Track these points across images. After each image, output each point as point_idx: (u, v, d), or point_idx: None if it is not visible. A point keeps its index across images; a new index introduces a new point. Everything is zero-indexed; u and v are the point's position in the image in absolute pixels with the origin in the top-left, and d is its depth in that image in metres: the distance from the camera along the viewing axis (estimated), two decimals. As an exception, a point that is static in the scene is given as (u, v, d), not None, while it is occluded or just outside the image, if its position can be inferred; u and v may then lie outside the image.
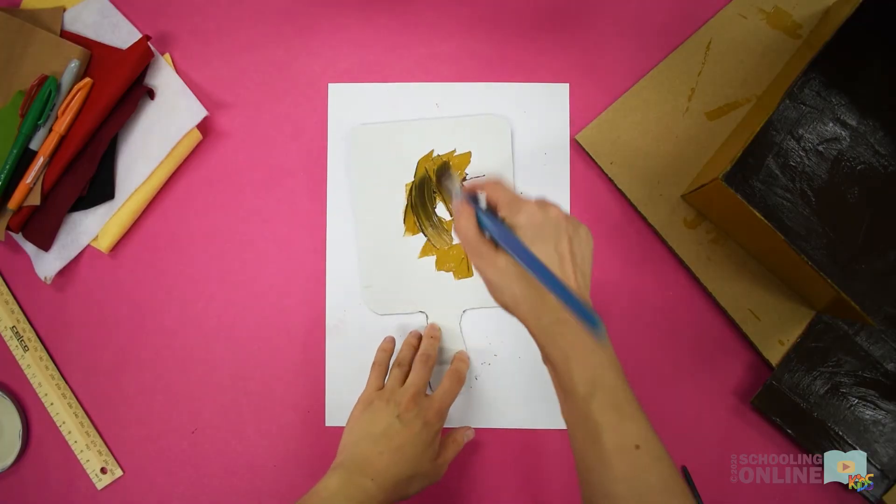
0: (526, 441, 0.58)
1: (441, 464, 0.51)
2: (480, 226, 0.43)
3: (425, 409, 0.50)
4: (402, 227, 0.59)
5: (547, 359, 0.42)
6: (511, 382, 0.58)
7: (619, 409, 0.39)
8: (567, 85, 0.60)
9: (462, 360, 0.56)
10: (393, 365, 0.54)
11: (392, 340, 0.57)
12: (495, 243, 0.42)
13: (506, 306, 0.42)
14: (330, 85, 0.60)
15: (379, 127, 0.59)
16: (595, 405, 0.38)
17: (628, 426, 0.38)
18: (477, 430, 0.58)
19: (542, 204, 0.42)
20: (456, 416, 0.58)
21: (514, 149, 0.59)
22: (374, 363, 0.55)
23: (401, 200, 0.59)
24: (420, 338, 0.57)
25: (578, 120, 0.59)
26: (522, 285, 0.41)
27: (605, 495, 0.38)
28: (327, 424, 0.58)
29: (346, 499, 0.45)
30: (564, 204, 0.59)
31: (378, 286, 0.58)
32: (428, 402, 0.50)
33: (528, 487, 0.57)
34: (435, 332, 0.56)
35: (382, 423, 0.49)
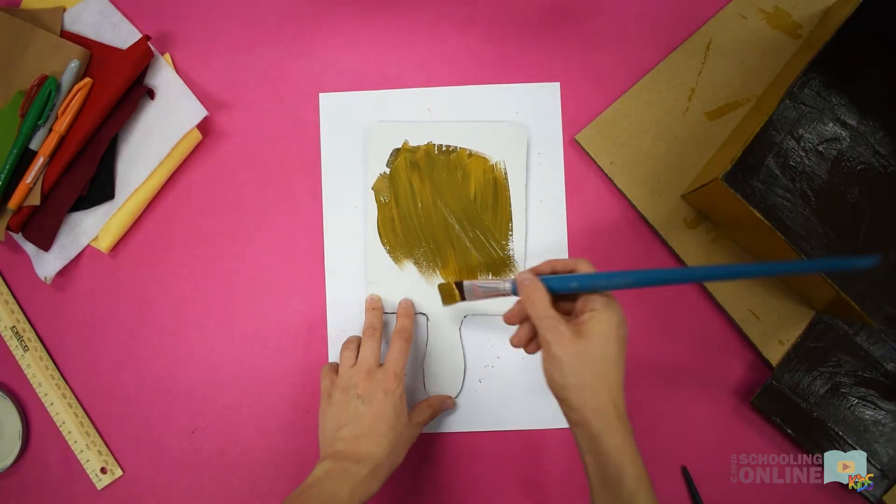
0: (530, 442, 0.58)
1: (417, 424, 0.53)
2: (552, 291, 0.43)
3: (381, 380, 0.50)
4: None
5: (596, 450, 0.41)
6: (513, 385, 0.58)
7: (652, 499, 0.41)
8: (558, 84, 0.60)
9: (405, 314, 0.55)
10: (341, 349, 0.54)
11: (355, 339, 0.56)
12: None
13: (565, 388, 0.42)
14: (321, 95, 0.60)
15: (396, 125, 0.59)
16: (641, 499, 0.40)
17: None
18: (481, 433, 0.58)
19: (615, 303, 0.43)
20: (460, 419, 0.58)
21: (529, 157, 0.59)
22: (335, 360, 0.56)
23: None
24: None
25: (577, 120, 0.59)
26: (595, 370, 0.41)
27: None
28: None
29: (337, 483, 0.46)
30: (560, 203, 0.59)
31: (381, 285, 0.58)
32: (382, 371, 0.51)
33: (532, 488, 0.57)
34: (375, 304, 0.57)
35: (347, 409, 0.49)
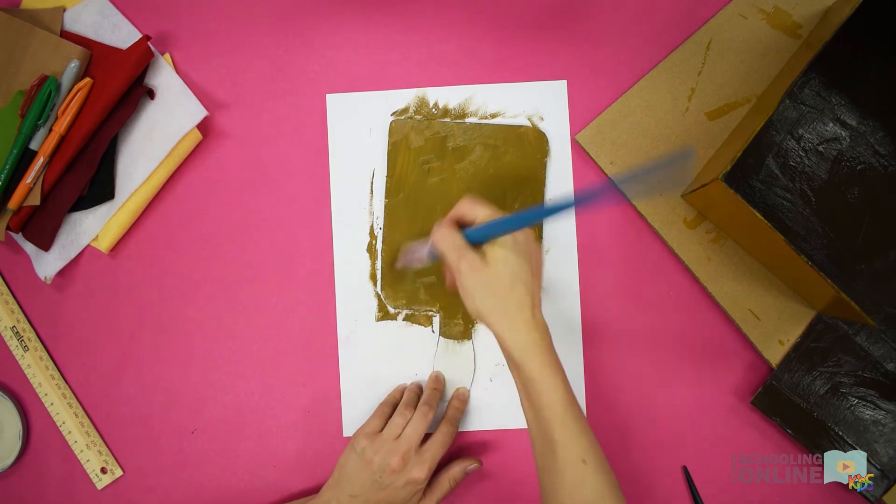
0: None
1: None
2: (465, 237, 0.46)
3: (413, 466, 0.51)
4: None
5: (515, 368, 0.45)
6: None
7: (574, 425, 0.44)
8: (564, 82, 0.60)
9: (457, 407, 0.56)
10: (398, 410, 0.54)
11: (403, 391, 0.57)
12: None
13: (479, 315, 0.45)
14: (328, 96, 0.60)
15: (419, 123, 0.59)
16: (556, 423, 0.44)
17: (580, 441, 0.44)
18: (493, 431, 0.58)
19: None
20: (471, 418, 0.58)
21: (549, 160, 0.59)
22: (380, 404, 0.56)
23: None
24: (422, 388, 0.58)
25: (578, 120, 0.59)
26: (498, 293, 0.44)
27: (556, 501, 0.44)
28: (345, 435, 0.58)
29: None
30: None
31: (399, 274, 0.58)
32: (419, 458, 0.51)
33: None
34: (438, 384, 0.57)
35: (368, 480, 0.51)
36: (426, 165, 0.59)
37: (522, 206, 0.58)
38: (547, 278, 0.58)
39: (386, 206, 0.59)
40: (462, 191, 0.59)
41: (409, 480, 0.50)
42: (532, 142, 0.59)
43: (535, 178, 0.59)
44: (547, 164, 0.59)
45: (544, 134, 0.59)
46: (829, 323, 0.56)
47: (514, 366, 0.45)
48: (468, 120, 0.59)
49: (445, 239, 0.46)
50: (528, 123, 0.59)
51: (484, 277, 0.44)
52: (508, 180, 0.59)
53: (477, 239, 0.46)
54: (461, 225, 0.48)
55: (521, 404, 0.46)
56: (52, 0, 0.60)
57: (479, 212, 0.46)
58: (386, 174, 0.59)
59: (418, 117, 0.60)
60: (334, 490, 0.52)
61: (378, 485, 0.50)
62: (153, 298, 0.59)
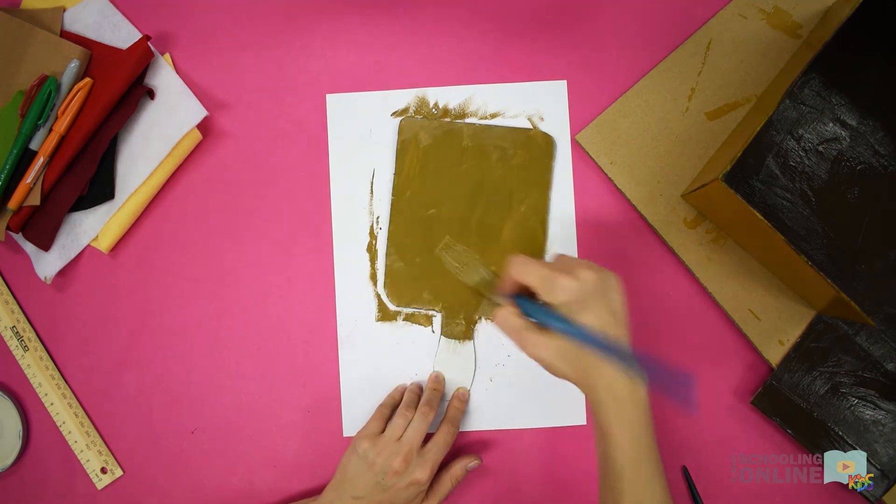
0: (542, 439, 0.58)
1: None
2: (524, 312, 0.45)
3: (416, 468, 0.51)
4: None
5: (598, 425, 0.45)
6: (524, 383, 0.58)
7: (647, 479, 0.43)
8: (564, 82, 0.60)
9: (458, 407, 0.56)
10: (398, 411, 0.54)
11: (402, 393, 0.57)
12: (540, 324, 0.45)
13: (565, 377, 0.44)
14: (328, 96, 0.60)
15: (428, 122, 0.59)
16: (629, 470, 0.43)
17: (653, 494, 0.43)
18: (493, 431, 0.58)
19: (571, 269, 0.44)
20: (472, 419, 0.58)
21: (555, 165, 0.59)
22: (380, 405, 0.56)
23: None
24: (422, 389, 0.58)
25: (578, 120, 0.59)
26: (574, 360, 0.43)
27: None
28: (345, 435, 0.58)
29: None
30: (569, 202, 0.59)
31: (399, 274, 0.58)
32: (421, 459, 0.51)
33: (547, 485, 0.57)
34: (438, 384, 0.57)
35: (370, 481, 0.51)
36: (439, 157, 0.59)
37: (529, 210, 0.58)
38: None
39: (392, 204, 0.59)
40: (469, 193, 0.59)
41: (411, 482, 0.50)
42: (541, 145, 0.59)
43: (542, 181, 0.59)
44: (553, 168, 0.59)
45: (552, 138, 0.59)
46: (829, 323, 0.56)
47: (598, 421, 0.45)
48: (478, 121, 0.59)
49: (506, 324, 0.45)
50: (528, 124, 0.59)
51: (551, 349, 0.43)
52: (516, 182, 0.59)
53: (536, 319, 0.45)
54: (518, 288, 0.47)
55: (598, 451, 0.46)
56: (52, 0, 0.60)
57: (532, 274, 0.44)
58: (394, 172, 0.59)
59: (418, 118, 0.60)
60: (336, 492, 0.52)
61: (380, 486, 0.50)
62: (153, 298, 0.59)
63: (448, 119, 0.59)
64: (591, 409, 0.45)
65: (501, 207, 0.58)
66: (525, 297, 0.46)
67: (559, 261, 0.46)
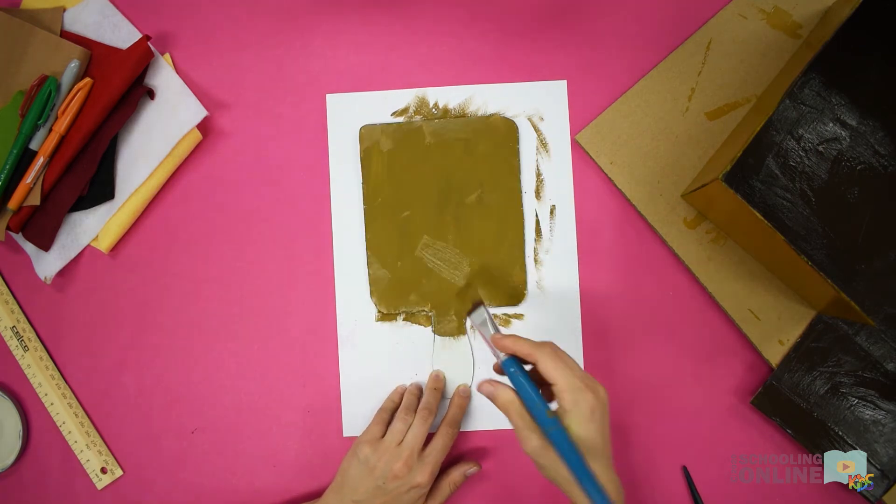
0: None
1: None
2: (519, 393, 0.45)
3: (417, 472, 0.51)
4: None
5: None
6: None
7: None
8: (564, 82, 0.60)
9: (459, 405, 0.56)
10: (398, 415, 0.54)
11: (402, 395, 0.57)
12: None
13: (553, 482, 0.45)
14: (328, 96, 0.60)
15: (388, 126, 0.59)
16: None
17: None
18: (493, 431, 0.58)
19: (593, 385, 0.44)
20: (471, 418, 0.58)
21: (520, 151, 0.59)
22: (380, 409, 0.56)
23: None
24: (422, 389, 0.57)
25: (578, 120, 0.59)
26: (566, 471, 0.43)
27: None
28: (345, 435, 0.58)
29: None
30: (569, 202, 0.59)
31: (383, 282, 0.58)
32: (421, 463, 0.51)
33: (546, 485, 0.57)
34: (438, 384, 0.57)
35: (371, 485, 0.51)
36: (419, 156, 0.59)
37: (501, 196, 0.58)
38: (547, 281, 0.58)
39: (365, 213, 0.59)
40: (439, 189, 0.58)
41: (412, 486, 0.50)
42: (502, 130, 0.59)
43: (509, 165, 0.58)
44: (519, 151, 0.59)
45: (513, 122, 0.59)
46: (829, 323, 0.56)
47: None
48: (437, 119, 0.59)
49: (508, 412, 0.45)
50: (528, 124, 0.59)
51: (550, 459, 0.43)
52: (484, 171, 0.59)
53: (532, 412, 0.45)
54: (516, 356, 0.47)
55: None
56: (52, 0, 0.60)
57: (559, 375, 0.44)
58: (361, 181, 0.59)
59: (418, 118, 0.60)
60: (337, 495, 0.52)
61: (381, 490, 0.51)
62: (153, 298, 0.59)
63: (404, 120, 0.59)
64: None
65: (473, 199, 0.58)
66: (521, 368, 0.46)
67: (554, 358, 0.45)
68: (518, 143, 0.59)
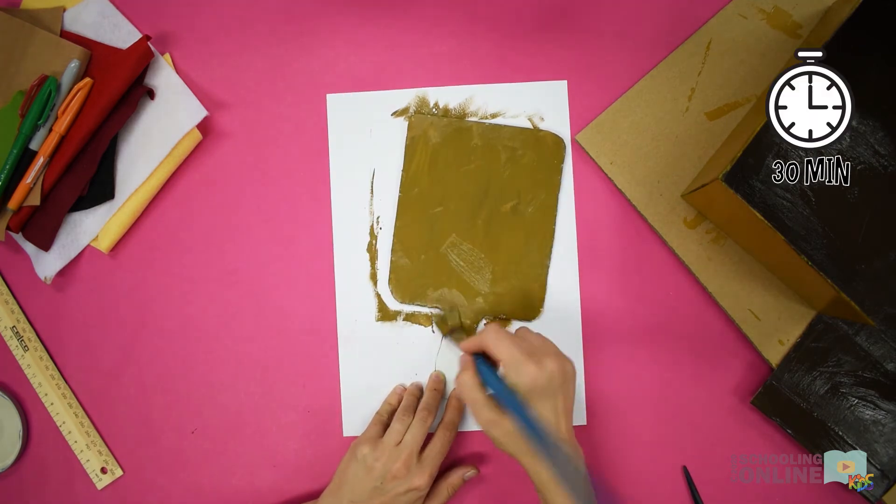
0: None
1: None
2: (483, 378, 0.48)
3: (415, 474, 0.51)
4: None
5: (544, 501, 0.48)
6: None
7: None
8: (565, 82, 0.60)
9: (456, 406, 0.56)
10: (397, 415, 0.54)
11: (401, 396, 0.57)
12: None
13: (511, 455, 0.48)
14: (328, 96, 0.60)
15: (438, 120, 0.59)
16: None
17: None
18: None
19: (538, 356, 0.46)
20: (471, 420, 0.58)
21: (565, 168, 0.59)
22: (379, 409, 0.56)
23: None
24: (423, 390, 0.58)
25: (578, 120, 0.59)
26: (523, 444, 0.46)
27: None
28: (345, 435, 0.58)
29: None
30: (569, 202, 0.59)
31: (404, 271, 0.58)
32: (419, 466, 0.51)
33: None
34: (438, 384, 0.57)
35: (369, 486, 0.51)
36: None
37: (536, 211, 0.58)
38: (548, 280, 0.58)
39: (399, 201, 0.59)
40: (477, 192, 0.58)
41: (410, 487, 0.50)
42: (550, 146, 0.59)
43: (551, 182, 0.58)
44: (563, 170, 0.59)
45: (562, 139, 0.59)
46: (829, 323, 0.56)
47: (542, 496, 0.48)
48: (489, 121, 0.59)
49: (465, 392, 0.48)
50: (528, 124, 0.59)
51: (503, 429, 0.46)
52: (524, 183, 0.58)
53: (492, 389, 0.48)
54: (484, 354, 0.49)
55: None
56: (52, 0, 0.60)
57: (502, 351, 0.47)
58: (402, 168, 0.59)
59: (429, 115, 0.59)
60: (335, 496, 0.52)
61: (379, 491, 0.50)
62: (153, 298, 0.59)
63: (470, 118, 0.59)
64: (536, 487, 0.48)
65: (508, 208, 0.58)
66: (485, 361, 0.49)
67: (525, 339, 0.49)
68: (563, 163, 0.59)
